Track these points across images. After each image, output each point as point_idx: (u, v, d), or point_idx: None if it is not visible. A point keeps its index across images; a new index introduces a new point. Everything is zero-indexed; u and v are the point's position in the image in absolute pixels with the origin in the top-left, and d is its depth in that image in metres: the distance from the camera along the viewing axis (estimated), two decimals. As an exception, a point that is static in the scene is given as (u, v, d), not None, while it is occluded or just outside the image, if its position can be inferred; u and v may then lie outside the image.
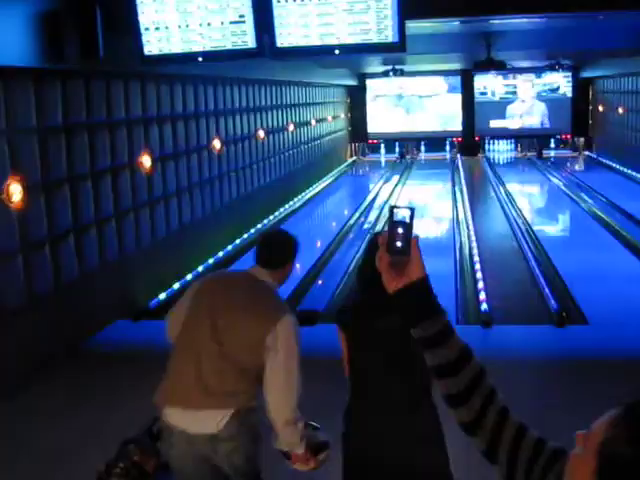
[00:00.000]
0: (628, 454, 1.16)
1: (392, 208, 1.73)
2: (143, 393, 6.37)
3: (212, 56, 6.78)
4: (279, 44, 6.50)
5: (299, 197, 18.16)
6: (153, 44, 6.88)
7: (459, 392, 1.67)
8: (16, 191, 6.91)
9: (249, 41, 6.60)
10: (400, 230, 1.68)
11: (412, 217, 1.71)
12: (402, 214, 1.71)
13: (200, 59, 6.80)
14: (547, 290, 9.24)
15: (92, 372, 7.09)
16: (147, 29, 6.84)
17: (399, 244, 1.68)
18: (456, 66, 23.68)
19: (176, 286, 9.92)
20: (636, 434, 1.18)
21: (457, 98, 28.25)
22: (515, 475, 1.59)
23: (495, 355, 7.09)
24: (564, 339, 7.58)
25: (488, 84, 27.82)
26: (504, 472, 1.62)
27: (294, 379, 3.27)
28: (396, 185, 21.08)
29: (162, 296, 9.48)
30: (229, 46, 6.66)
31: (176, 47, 6.81)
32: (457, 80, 27.81)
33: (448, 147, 28.85)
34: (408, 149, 29.00)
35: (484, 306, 8.52)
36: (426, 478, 3.43)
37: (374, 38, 6.29)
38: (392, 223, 1.71)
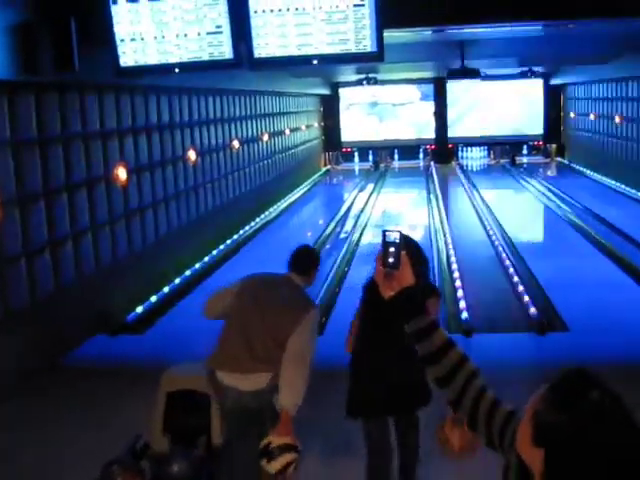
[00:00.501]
0: (554, 421, 1.53)
1: (384, 232, 2.17)
2: (123, 409, 6.32)
3: (189, 67, 6.73)
4: (257, 55, 6.46)
5: (274, 207, 18.09)
6: (129, 55, 6.81)
7: (442, 376, 2.07)
8: (-10, 206, 6.79)
9: (226, 52, 6.55)
10: (392, 249, 2.14)
11: (401, 238, 2.16)
12: (393, 236, 2.16)
13: (177, 70, 6.74)
14: (526, 297, 9.25)
15: (71, 389, 6.96)
16: (122, 40, 6.77)
17: (391, 260, 2.14)
18: (429, 74, 23.78)
19: (153, 299, 9.82)
20: (559, 405, 1.54)
21: (430, 106, 28.41)
22: (492, 439, 2.00)
23: (477, 364, 7.10)
24: (545, 347, 7.59)
25: (459, 93, 28.01)
26: (484, 437, 2.03)
27: (309, 354, 4.33)
28: (371, 194, 21.07)
29: (139, 309, 9.36)
30: (206, 57, 6.60)
31: (152, 58, 6.75)
32: (430, 88, 27.98)
33: (422, 155, 28.95)
34: (382, 157, 29.05)
35: (464, 315, 8.50)
36: (414, 388, 4.54)
37: (352, 48, 6.26)
38: (385, 243, 2.16)
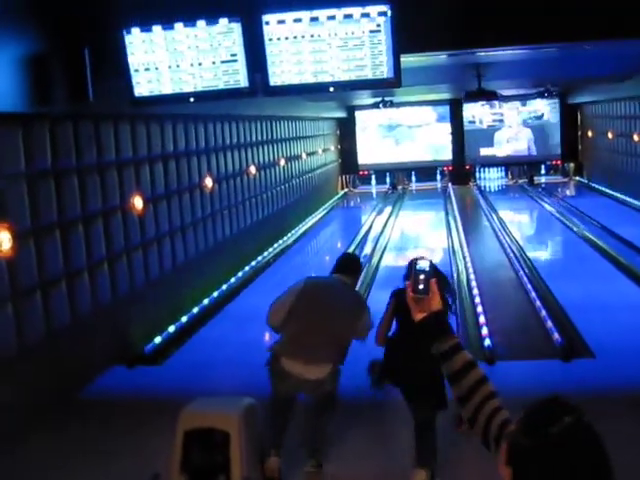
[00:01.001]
0: (522, 444, 1.69)
1: (415, 260, 2.40)
2: (142, 445, 6.20)
3: (204, 96, 6.67)
4: (272, 83, 6.39)
5: (292, 232, 18.01)
6: (143, 85, 6.77)
7: (462, 396, 2.23)
8: (5, 239, 6.73)
9: (241, 80, 6.49)
10: (422, 276, 2.35)
11: (431, 266, 2.37)
12: (423, 264, 2.37)
13: (192, 99, 6.70)
14: (550, 322, 9.08)
15: (88, 423, 6.86)
16: (137, 70, 6.74)
17: (421, 286, 2.34)
18: (445, 96, 23.76)
19: (171, 329, 9.72)
20: (528, 430, 1.69)
21: (446, 127, 28.36)
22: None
23: (500, 393, 6.94)
24: (571, 374, 7.41)
25: (476, 113, 28.04)
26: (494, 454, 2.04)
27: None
28: (389, 216, 20.96)
29: (158, 340, 9.27)
30: (221, 86, 6.55)
31: (167, 88, 6.70)
32: (446, 109, 27.96)
33: (439, 176, 28.85)
34: (399, 179, 28.96)
35: (487, 342, 8.35)
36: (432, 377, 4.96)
37: (369, 74, 6.18)
38: (416, 271, 2.36)
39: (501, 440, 1.95)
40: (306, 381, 5.14)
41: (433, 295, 2.34)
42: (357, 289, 7.16)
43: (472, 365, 2.27)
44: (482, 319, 9.26)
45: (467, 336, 8.99)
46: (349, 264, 5.56)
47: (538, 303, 10.08)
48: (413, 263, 2.38)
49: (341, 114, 26.30)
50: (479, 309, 9.78)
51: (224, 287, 12.13)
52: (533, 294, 10.64)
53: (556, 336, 8.53)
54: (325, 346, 5.13)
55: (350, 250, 15.41)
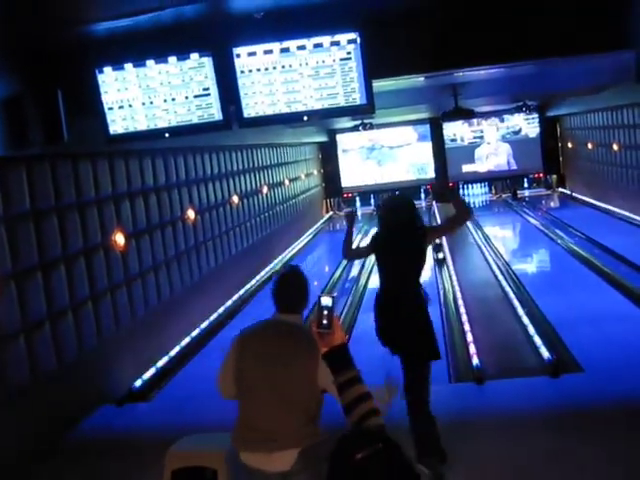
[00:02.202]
0: (327, 469, 1.90)
1: (320, 297, 2.64)
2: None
3: (178, 131, 6.69)
4: (246, 114, 6.41)
5: (279, 258, 17.99)
6: (118, 123, 6.78)
7: (352, 422, 2.58)
8: (-14, 284, 6.69)
9: (215, 113, 6.51)
10: (325, 312, 2.61)
11: (333, 302, 2.63)
12: (325, 301, 2.63)
13: (167, 135, 6.71)
14: (537, 338, 9.07)
15: (77, 466, 6.77)
16: (111, 108, 6.75)
17: (325, 322, 2.61)
18: (425, 115, 23.86)
19: (160, 364, 9.65)
20: (337, 454, 1.90)
21: (428, 146, 28.51)
22: None
23: (491, 413, 6.93)
24: (560, 390, 7.38)
25: (456, 131, 28.26)
26: None
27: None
28: (374, 238, 20.93)
29: (146, 376, 9.20)
30: (195, 120, 6.57)
31: (141, 124, 6.72)
32: (426, 129, 28.13)
33: (423, 195, 28.94)
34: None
35: (475, 361, 8.33)
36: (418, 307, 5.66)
37: (342, 102, 6.22)
38: (320, 307, 2.63)
39: None
40: (271, 475, 3.78)
41: (335, 330, 2.61)
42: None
43: (366, 397, 2.62)
44: (469, 337, 9.25)
45: (455, 355, 8.99)
46: (291, 294, 3.97)
47: (525, 319, 10.08)
48: (318, 299, 2.64)
49: (322, 138, 26.40)
50: (466, 327, 9.76)
51: (211, 318, 12.09)
52: (520, 310, 10.63)
53: (544, 352, 8.52)
54: (285, 425, 3.77)
55: (337, 273, 15.42)
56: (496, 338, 9.75)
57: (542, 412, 6.78)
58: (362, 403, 2.57)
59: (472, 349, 8.78)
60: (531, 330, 9.49)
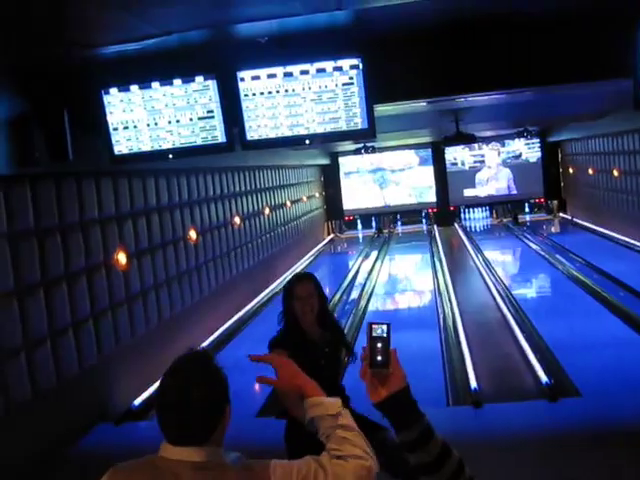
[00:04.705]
0: None
1: (370, 324, 1.95)
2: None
3: (182, 152, 6.78)
4: (249, 137, 6.50)
5: (280, 280, 18.03)
6: (122, 143, 6.87)
7: None
8: (-12, 301, 6.75)
9: (219, 136, 6.60)
10: (379, 345, 1.91)
11: (389, 331, 1.94)
12: (380, 329, 1.94)
13: (170, 156, 6.80)
14: (536, 362, 9.10)
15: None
16: (116, 129, 6.85)
17: (379, 358, 1.90)
18: (426, 139, 24.00)
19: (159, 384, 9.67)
20: None
21: (429, 170, 28.65)
22: None
23: (488, 437, 6.96)
24: (558, 414, 7.41)
25: (457, 155, 28.40)
26: None
27: None
28: (375, 260, 21.05)
29: (145, 395, 9.23)
30: (199, 142, 6.66)
31: (146, 145, 6.81)
32: (428, 153, 28.28)
33: (424, 219, 29.04)
34: (384, 223, 29.14)
35: (473, 384, 8.36)
36: None
37: (343, 126, 6.31)
38: (371, 339, 1.92)
39: None
40: None
41: (394, 368, 1.89)
42: None
43: (448, 448, 1.90)
44: (468, 361, 9.28)
45: (453, 379, 9.01)
46: (194, 407, 2.23)
47: (524, 343, 10.11)
48: (369, 328, 1.95)
49: (324, 161, 26.54)
50: (465, 351, 9.80)
51: (213, 337, 12.13)
52: (519, 334, 10.67)
53: (542, 376, 8.56)
54: None
55: (337, 296, 15.44)
56: (495, 362, 9.77)
57: (539, 436, 6.80)
58: (449, 458, 1.89)
59: (470, 372, 8.82)
60: (530, 354, 9.52)
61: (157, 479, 2.24)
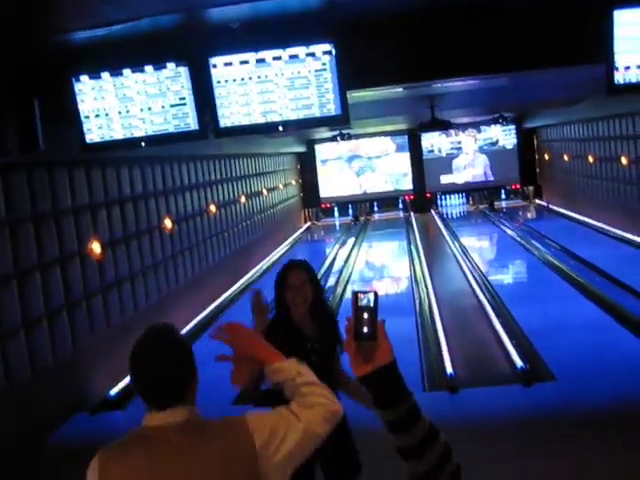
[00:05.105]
0: None
1: (355, 293, 1.77)
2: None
3: (154, 140, 6.69)
4: (222, 124, 6.44)
5: (257, 268, 18.00)
6: (94, 132, 6.78)
7: (424, 473, 1.73)
8: (-40, 292, 6.67)
9: (191, 123, 6.53)
10: (365, 315, 1.73)
11: (376, 301, 1.76)
12: (366, 299, 1.76)
13: (143, 144, 6.72)
14: (511, 347, 9.15)
15: (49, 474, 6.77)
16: (87, 117, 6.75)
17: (366, 330, 1.73)
18: (403, 126, 24.02)
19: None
20: None
21: (406, 157, 28.68)
22: None
23: (464, 422, 6.98)
24: (533, 398, 7.47)
25: (434, 142, 28.46)
26: None
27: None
28: (352, 248, 21.05)
29: (121, 385, 9.18)
30: (171, 129, 6.58)
31: (118, 133, 6.72)
32: (404, 139, 28.30)
33: (401, 205, 29.08)
34: (361, 211, 29.16)
35: (449, 370, 8.40)
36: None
37: (317, 112, 6.26)
38: (357, 309, 1.74)
39: None
40: None
41: (381, 340, 1.72)
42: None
43: (435, 431, 1.76)
44: (444, 347, 9.32)
45: (429, 364, 9.04)
46: (169, 373, 2.44)
47: (500, 329, 10.16)
48: (354, 297, 1.78)
49: (301, 148, 26.49)
50: (441, 337, 9.83)
51: (190, 326, 12.09)
52: (495, 320, 10.72)
53: (517, 361, 8.61)
54: None
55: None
56: (470, 347, 9.82)
57: (515, 420, 6.85)
58: (433, 444, 1.73)
59: (446, 358, 8.86)
60: (505, 339, 9.57)
61: (152, 449, 2.38)
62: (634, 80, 6.30)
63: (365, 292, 1.78)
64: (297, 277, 4.32)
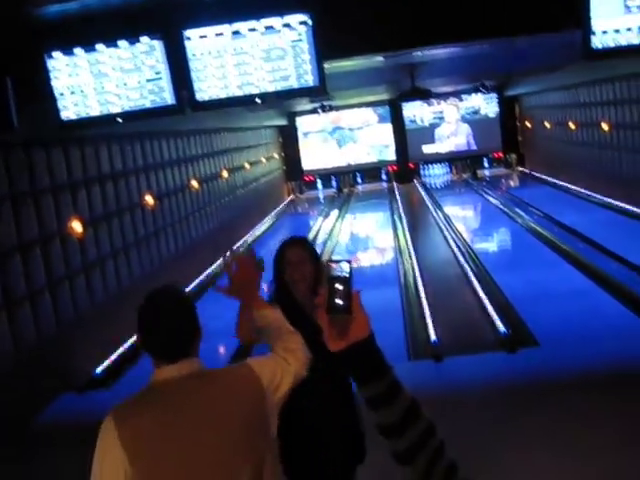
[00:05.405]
0: None
1: (328, 262, 1.64)
2: (86, 472, 6.12)
3: (131, 116, 6.62)
4: (198, 98, 6.38)
5: (241, 242, 17.98)
6: (70, 109, 6.70)
7: (405, 450, 1.63)
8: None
9: (167, 97, 6.46)
10: (339, 286, 1.60)
11: (351, 271, 1.62)
12: (339, 268, 1.62)
13: (119, 120, 6.65)
14: (495, 315, 9.20)
15: (36, 455, 6.76)
16: (62, 94, 6.66)
17: (339, 302, 1.59)
18: (384, 97, 23.94)
19: (120, 351, 9.62)
20: None
21: (388, 127, 28.61)
22: None
23: (449, 389, 7.03)
24: (517, 364, 7.51)
25: (416, 112, 28.38)
26: None
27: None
28: (336, 220, 21.05)
29: (106, 363, 9.18)
30: (148, 104, 6.51)
31: (94, 110, 6.64)
32: (386, 110, 28.21)
33: (384, 176, 29.05)
34: (344, 182, 29.11)
35: (433, 338, 8.43)
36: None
37: (294, 83, 6.21)
38: (330, 279, 1.61)
39: None
40: None
41: (357, 313, 1.60)
42: None
43: (417, 407, 1.66)
44: (428, 316, 9.35)
45: (413, 334, 9.08)
46: (178, 328, 2.61)
47: (483, 297, 10.20)
48: (326, 265, 1.66)
49: (282, 121, 26.35)
50: (425, 306, 9.86)
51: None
52: (478, 288, 10.76)
53: (501, 328, 8.66)
54: None
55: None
56: (455, 316, 9.85)
57: (499, 386, 6.90)
58: (415, 421, 1.64)
59: (430, 327, 8.89)
60: (489, 307, 9.62)
61: (167, 402, 2.50)
62: (611, 44, 6.28)
63: (338, 261, 1.64)
64: (295, 253, 4.05)
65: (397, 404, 1.62)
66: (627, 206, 15.86)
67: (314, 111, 21.09)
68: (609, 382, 6.62)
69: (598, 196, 18.12)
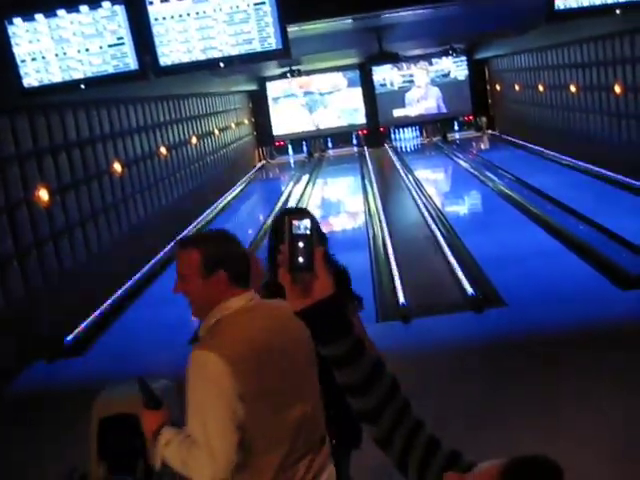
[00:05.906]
0: None
1: (289, 219, 1.55)
2: (65, 441, 6.15)
3: (94, 82, 6.59)
4: (162, 63, 6.35)
5: (211, 208, 17.93)
6: (32, 76, 6.64)
7: (370, 410, 1.62)
8: None
9: (131, 63, 6.43)
10: (301, 244, 1.54)
11: (313, 227, 1.56)
12: (302, 225, 1.55)
13: (82, 86, 6.60)
14: (463, 276, 9.29)
15: (9, 423, 6.77)
16: (23, 61, 6.60)
17: (301, 260, 1.54)
18: (354, 61, 23.84)
19: (90, 319, 9.61)
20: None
21: (358, 92, 28.52)
22: None
23: (417, 350, 7.13)
24: (484, 324, 7.62)
25: (386, 75, 28.31)
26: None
27: None
28: (307, 184, 21.04)
29: (77, 331, 9.17)
30: (111, 70, 6.48)
31: (56, 76, 6.59)
32: (356, 74, 28.11)
33: (355, 141, 29.02)
34: (315, 147, 29.05)
35: (401, 300, 8.52)
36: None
37: (257, 47, 6.20)
38: (291, 237, 1.54)
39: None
40: None
41: (319, 271, 1.56)
42: None
43: (381, 367, 1.65)
44: (397, 278, 9.42)
45: (382, 295, 9.15)
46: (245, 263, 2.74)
47: (452, 259, 10.28)
48: (287, 222, 1.56)
49: (252, 86, 26.15)
50: (394, 269, 9.92)
51: (143, 271, 12.04)
52: (447, 249, 10.84)
53: (469, 288, 8.75)
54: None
55: (269, 221, 15.43)
56: (423, 278, 9.93)
57: (467, 345, 6.99)
58: (379, 380, 1.63)
59: (399, 289, 8.96)
60: (457, 269, 9.70)
61: (260, 321, 2.62)
62: (574, 5, 6.32)
63: (301, 218, 1.56)
64: None
65: (361, 363, 1.61)
66: (595, 167, 16.00)
67: (284, 76, 20.94)
68: (576, 340, 6.74)
69: (567, 158, 18.25)
